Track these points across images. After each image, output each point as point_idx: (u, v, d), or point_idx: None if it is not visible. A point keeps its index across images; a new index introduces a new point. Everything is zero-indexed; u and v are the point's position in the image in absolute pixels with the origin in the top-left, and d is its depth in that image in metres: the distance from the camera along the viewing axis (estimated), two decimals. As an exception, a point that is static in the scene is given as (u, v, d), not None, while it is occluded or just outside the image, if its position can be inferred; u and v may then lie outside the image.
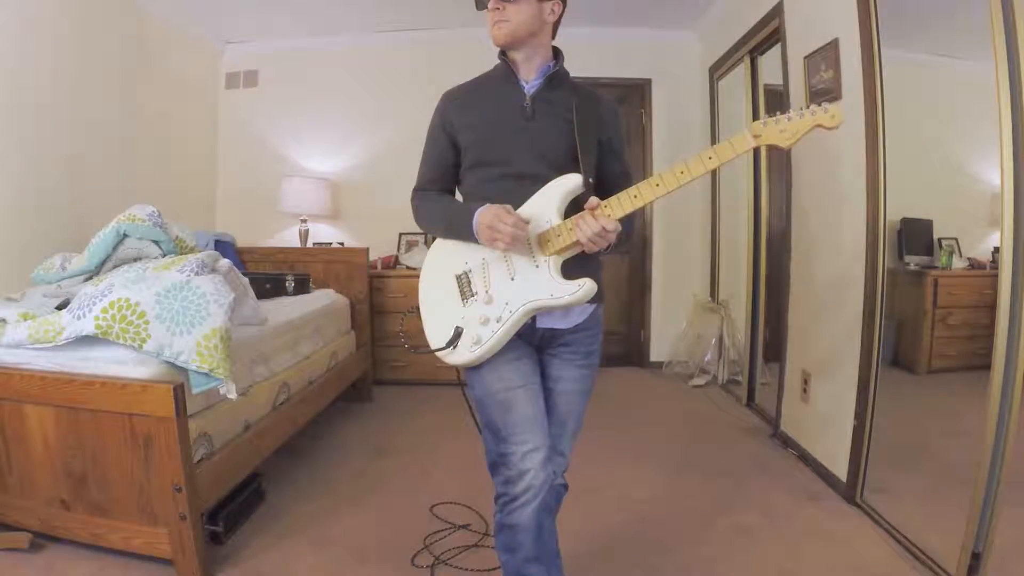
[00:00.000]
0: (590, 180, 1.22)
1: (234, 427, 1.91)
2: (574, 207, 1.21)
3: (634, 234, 1.38)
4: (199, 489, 1.62)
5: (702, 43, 3.93)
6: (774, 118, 1.13)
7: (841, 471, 2.18)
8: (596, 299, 1.28)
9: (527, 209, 1.22)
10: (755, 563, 1.76)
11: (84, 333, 1.59)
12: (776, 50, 2.76)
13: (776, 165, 3.02)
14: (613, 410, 3.22)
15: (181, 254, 2.16)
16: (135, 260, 2.08)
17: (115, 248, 2.09)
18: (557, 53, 1.34)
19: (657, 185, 1.15)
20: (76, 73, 2.86)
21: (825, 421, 2.34)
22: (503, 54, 1.32)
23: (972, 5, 1.61)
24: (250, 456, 1.97)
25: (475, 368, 1.26)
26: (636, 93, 4.07)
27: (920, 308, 2.20)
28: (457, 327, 1.23)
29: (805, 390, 2.52)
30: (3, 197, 2.50)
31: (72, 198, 2.83)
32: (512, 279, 1.21)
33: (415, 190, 1.40)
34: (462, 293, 1.26)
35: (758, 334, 3.22)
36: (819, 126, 1.12)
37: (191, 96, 3.86)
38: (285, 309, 2.59)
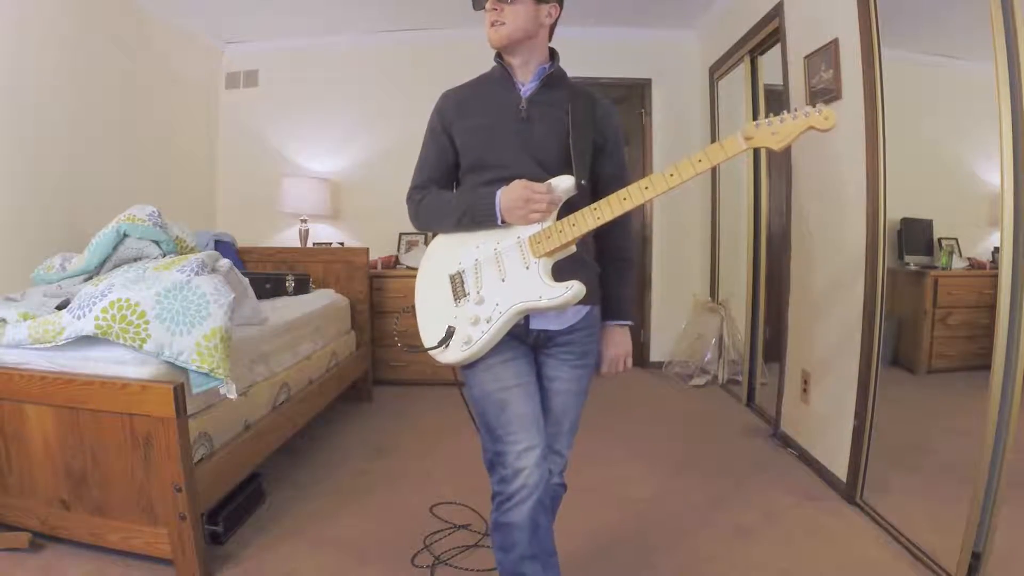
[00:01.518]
0: (582, 182, 1.23)
1: (234, 427, 1.91)
2: (567, 209, 1.22)
3: (633, 242, 1.39)
4: (199, 489, 1.62)
5: (702, 43, 3.93)
6: (767, 120, 1.12)
7: (841, 471, 2.18)
8: (592, 300, 1.28)
9: None
10: (755, 563, 1.76)
11: (84, 333, 1.59)
12: (776, 50, 2.76)
13: (776, 165, 3.02)
14: (613, 410, 3.22)
15: (181, 254, 2.16)
16: (135, 260, 2.08)
17: (115, 248, 2.09)
18: (553, 54, 1.34)
19: (646, 188, 1.15)
20: (76, 73, 2.86)
21: (825, 421, 2.34)
22: (499, 56, 1.32)
23: (972, 5, 1.61)
24: (250, 456, 1.97)
25: (470, 367, 1.27)
26: (636, 93, 4.07)
27: (920, 308, 2.19)
28: (449, 326, 1.24)
29: (805, 390, 2.52)
30: (3, 197, 2.50)
31: (72, 198, 2.83)
32: (503, 280, 1.22)
33: (414, 188, 1.38)
34: (455, 293, 1.26)
35: (758, 334, 3.22)
36: (812, 128, 1.10)
37: (191, 96, 3.86)
38: (285, 309, 2.59)
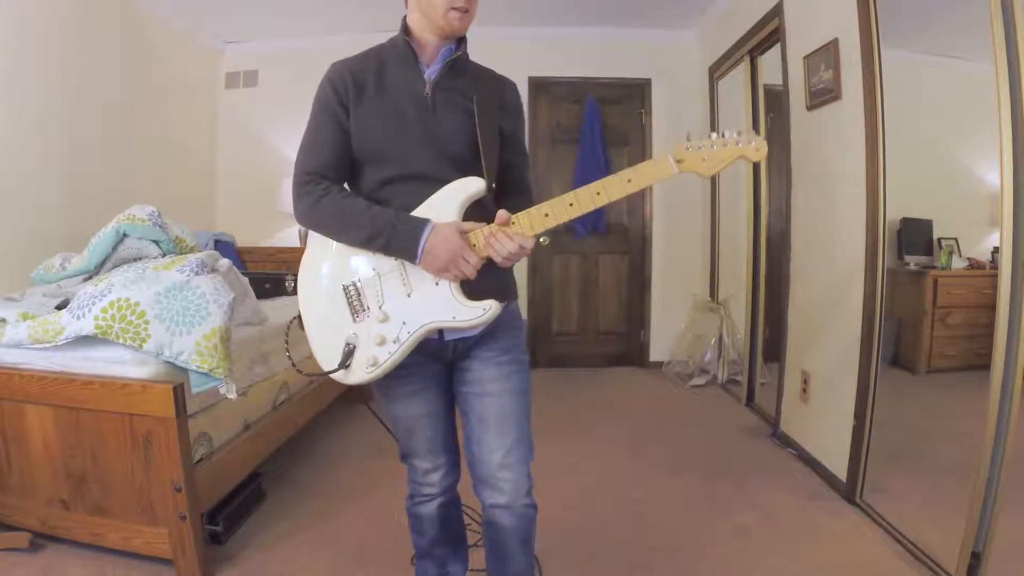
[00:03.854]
0: (492, 185, 1.13)
1: (234, 427, 1.91)
2: (476, 209, 1.14)
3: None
4: (199, 489, 1.62)
5: (702, 43, 3.92)
6: (698, 143, 1.08)
7: (841, 471, 2.18)
8: (508, 297, 1.21)
9: (420, 213, 1.12)
10: (755, 563, 1.76)
11: (84, 333, 1.59)
12: (776, 50, 2.76)
13: (776, 165, 3.02)
14: (613, 410, 3.21)
15: (181, 254, 2.16)
16: (135, 260, 2.08)
17: (115, 248, 2.09)
18: (460, 37, 1.20)
19: (571, 205, 1.08)
20: (76, 73, 2.86)
21: (825, 421, 2.34)
22: (406, 31, 1.18)
23: (972, 5, 1.61)
24: (250, 456, 1.97)
25: (383, 391, 1.27)
26: (636, 93, 4.07)
27: (920, 308, 2.20)
28: (348, 344, 1.14)
29: (805, 390, 2.52)
30: (3, 197, 2.50)
31: (72, 198, 2.83)
32: (409, 296, 1.12)
33: (308, 174, 1.15)
34: (352, 308, 1.15)
35: (758, 334, 3.22)
36: (742, 158, 1.08)
37: (191, 96, 3.86)
38: (285, 309, 2.59)
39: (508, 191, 1.24)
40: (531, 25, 3.79)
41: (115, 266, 2.06)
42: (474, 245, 1.10)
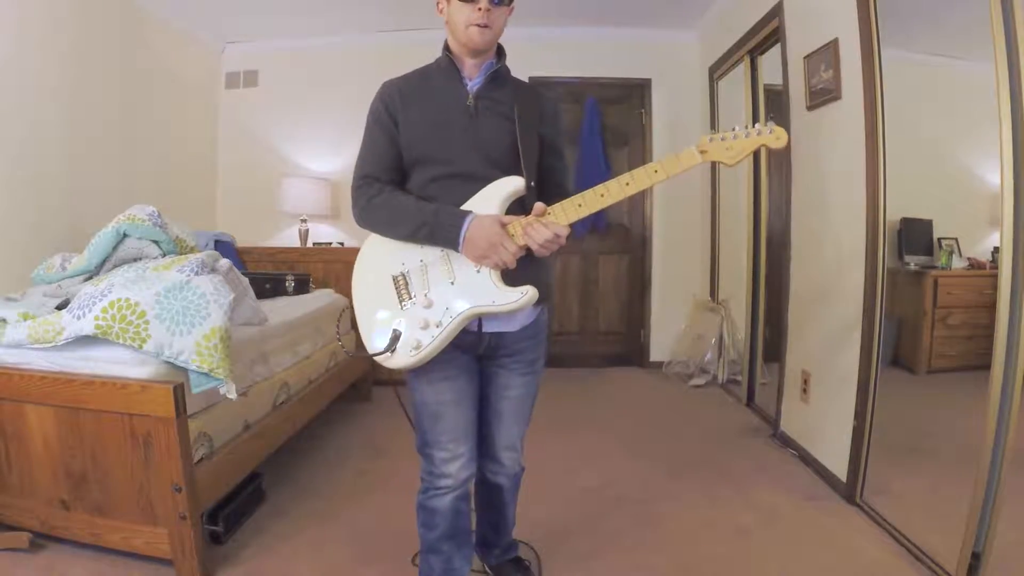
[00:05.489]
0: (531, 184, 1.23)
1: (234, 427, 1.91)
2: (518, 207, 1.23)
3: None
4: (199, 489, 1.62)
5: (702, 43, 3.93)
6: (720, 134, 1.15)
7: (841, 471, 2.18)
8: (540, 301, 1.28)
9: (466, 208, 1.22)
10: (755, 563, 1.76)
11: (84, 333, 1.59)
12: (776, 50, 2.76)
13: (776, 165, 3.02)
14: (613, 410, 3.22)
15: (181, 254, 2.16)
16: (135, 260, 2.08)
17: (115, 248, 2.09)
18: (500, 51, 1.34)
19: (602, 195, 1.17)
20: (76, 73, 2.86)
21: (825, 421, 2.34)
22: (447, 50, 1.32)
23: (972, 5, 1.61)
24: (250, 456, 1.97)
25: (415, 374, 1.29)
26: (636, 93, 4.07)
27: (920, 308, 2.19)
28: (395, 330, 1.22)
29: (805, 390, 2.52)
30: (3, 197, 2.50)
31: (72, 198, 2.83)
32: (452, 283, 1.22)
33: (363, 178, 1.29)
34: (399, 295, 1.24)
35: (758, 334, 3.22)
36: (764, 146, 1.14)
37: (191, 96, 3.86)
38: (285, 309, 2.59)
39: (549, 194, 1.33)
40: (531, 25, 3.78)
41: (115, 266, 2.06)
42: (513, 235, 1.18)
